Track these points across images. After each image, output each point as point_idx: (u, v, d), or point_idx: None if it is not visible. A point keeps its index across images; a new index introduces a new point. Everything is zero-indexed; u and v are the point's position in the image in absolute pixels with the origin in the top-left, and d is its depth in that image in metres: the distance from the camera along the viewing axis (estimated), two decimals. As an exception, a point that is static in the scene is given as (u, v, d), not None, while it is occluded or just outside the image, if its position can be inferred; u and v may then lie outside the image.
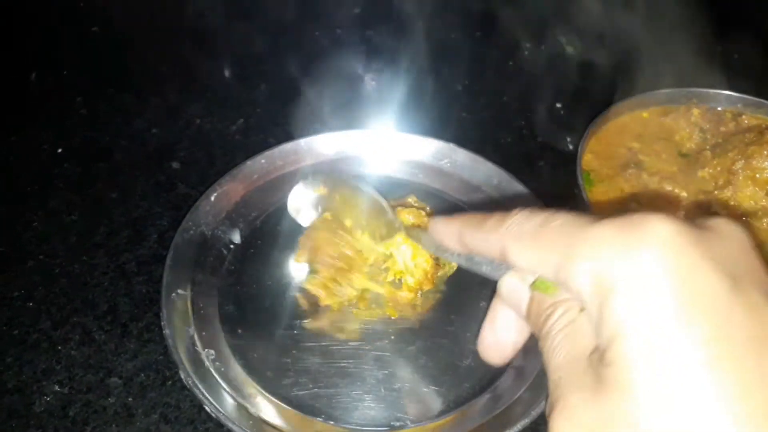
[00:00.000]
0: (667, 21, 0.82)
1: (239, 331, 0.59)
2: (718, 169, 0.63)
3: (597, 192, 0.62)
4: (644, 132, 0.69)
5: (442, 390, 0.56)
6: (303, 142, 0.74)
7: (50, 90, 0.87)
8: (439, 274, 0.61)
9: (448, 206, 0.70)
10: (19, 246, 0.67)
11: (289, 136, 0.75)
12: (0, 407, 0.55)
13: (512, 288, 0.34)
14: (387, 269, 0.61)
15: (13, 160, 0.76)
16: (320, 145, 0.74)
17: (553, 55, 0.94)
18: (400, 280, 0.61)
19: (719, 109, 0.72)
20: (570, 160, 0.78)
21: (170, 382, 0.57)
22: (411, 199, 0.65)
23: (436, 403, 0.55)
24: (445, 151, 0.73)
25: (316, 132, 0.75)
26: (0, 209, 0.71)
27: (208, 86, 0.89)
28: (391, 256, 0.60)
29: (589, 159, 0.65)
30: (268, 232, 0.68)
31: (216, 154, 0.79)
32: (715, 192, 0.61)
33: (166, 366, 0.58)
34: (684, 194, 0.62)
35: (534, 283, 0.32)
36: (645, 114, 0.71)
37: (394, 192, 0.67)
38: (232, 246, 0.66)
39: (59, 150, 0.78)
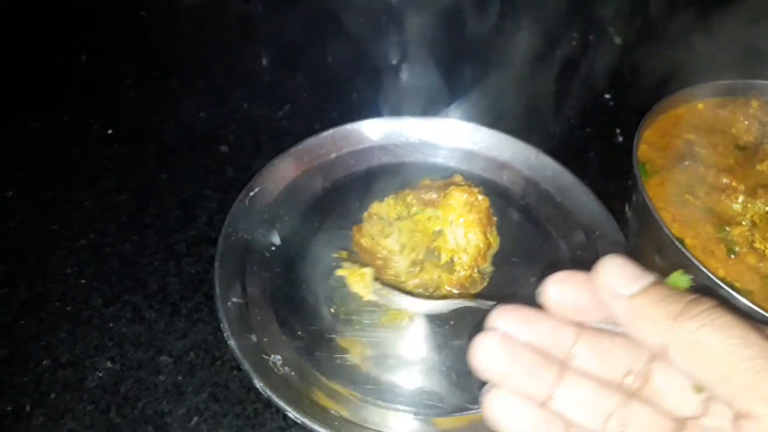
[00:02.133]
0: (724, 8, 0.80)
1: (299, 332, 0.58)
2: (778, 162, 0.62)
3: (652, 183, 0.61)
4: (700, 124, 0.68)
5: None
6: (348, 127, 0.74)
7: (99, 73, 0.88)
8: (489, 251, 0.61)
9: (495, 192, 0.70)
10: (71, 224, 0.68)
11: (334, 123, 0.75)
12: (54, 380, 0.56)
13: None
14: (438, 250, 0.61)
15: (65, 141, 0.77)
16: (365, 130, 0.74)
17: (601, 45, 0.93)
18: (453, 259, 0.60)
19: (779, 102, 0.70)
20: (620, 152, 0.78)
21: (219, 362, 0.58)
22: (457, 179, 0.65)
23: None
24: (491, 139, 0.73)
25: (361, 118, 0.75)
26: (52, 188, 0.72)
27: (254, 71, 0.90)
28: (441, 233, 0.60)
29: (644, 150, 0.64)
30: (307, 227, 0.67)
31: (262, 139, 0.79)
32: (775, 186, 0.60)
33: (215, 346, 0.59)
34: (741, 187, 0.61)
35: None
36: (700, 105, 0.70)
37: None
38: (273, 248, 0.65)
39: (109, 131, 0.79)
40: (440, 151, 0.74)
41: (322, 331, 0.58)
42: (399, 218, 0.63)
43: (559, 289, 0.33)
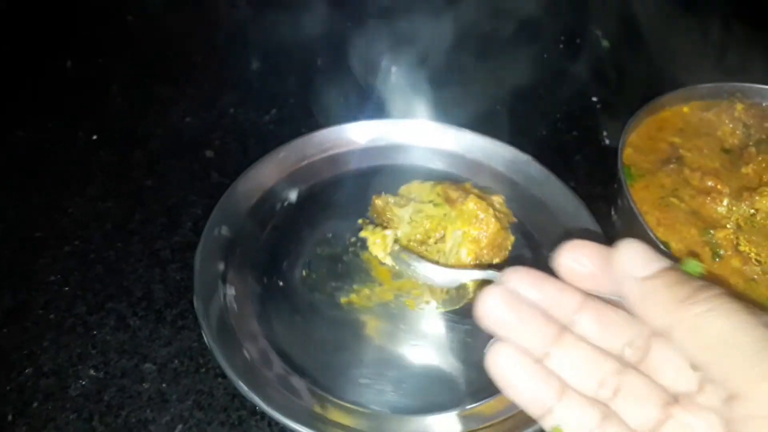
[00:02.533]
0: (709, 12, 0.80)
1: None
2: (763, 165, 0.61)
3: (637, 187, 0.61)
4: (685, 127, 0.68)
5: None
6: (334, 130, 0.74)
7: (86, 78, 0.88)
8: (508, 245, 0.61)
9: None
10: (56, 231, 0.68)
11: (320, 127, 0.75)
12: (37, 389, 0.56)
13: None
14: (458, 249, 0.61)
15: (50, 147, 0.77)
16: (352, 133, 0.74)
17: (588, 49, 0.93)
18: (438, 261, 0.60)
19: (764, 104, 0.70)
20: (606, 155, 0.77)
21: (204, 369, 0.58)
22: (497, 199, 0.65)
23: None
24: (478, 142, 0.73)
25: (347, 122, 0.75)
26: (37, 195, 0.71)
27: (242, 77, 0.89)
28: (444, 234, 0.60)
29: (629, 153, 0.64)
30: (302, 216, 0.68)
31: (249, 143, 0.79)
32: (759, 188, 0.60)
33: (199, 353, 0.59)
34: (726, 190, 0.61)
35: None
36: (686, 109, 0.70)
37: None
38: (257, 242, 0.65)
39: (95, 137, 0.79)
40: (424, 154, 0.74)
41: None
42: (422, 201, 0.64)
43: (574, 255, 0.34)
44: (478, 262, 0.60)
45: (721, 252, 0.56)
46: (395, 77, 0.92)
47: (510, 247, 0.61)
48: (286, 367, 0.55)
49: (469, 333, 0.59)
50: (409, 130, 0.75)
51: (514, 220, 0.63)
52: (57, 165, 0.75)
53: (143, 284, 0.64)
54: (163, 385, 0.56)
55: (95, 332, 0.60)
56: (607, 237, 0.63)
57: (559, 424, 0.34)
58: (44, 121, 0.80)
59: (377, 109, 0.78)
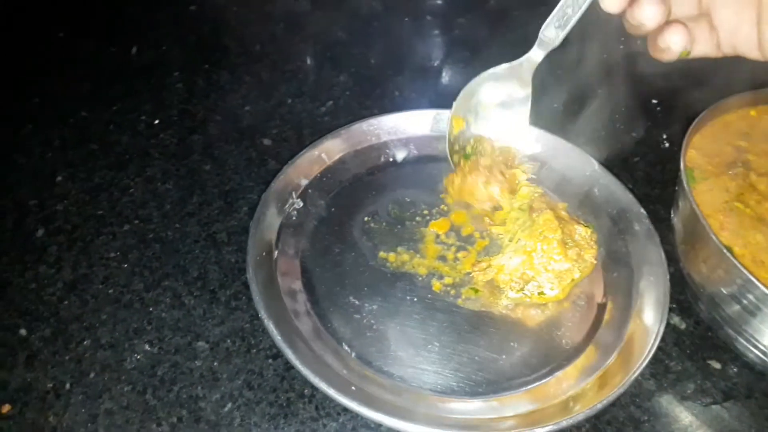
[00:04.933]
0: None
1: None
2: (835, 173, 0.59)
3: (700, 190, 0.59)
4: (752, 131, 0.66)
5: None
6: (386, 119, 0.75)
7: (149, 64, 0.90)
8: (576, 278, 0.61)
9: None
10: (116, 210, 0.70)
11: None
12: (94, 360, 0.57)
13: None
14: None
15: (113, 129, 0.79)
16: (405, 122, 0.75)
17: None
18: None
19: (837, 110, 0.68)
20: (666, 159, 0.76)
21: (255, 350, 0.58)
22: (561, 206, 0.66)
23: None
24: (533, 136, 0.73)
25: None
26: (100, 174, 0.73)
27: (300, 68, 0.90)
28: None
29: (692, 155, 0.62)
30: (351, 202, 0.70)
31: (305, 133, 0.80)
32: (830, 197, 0.58)
33: (251, 334, 0.59)
34: (794, 197, 0.59)
35: None
36: (753, 112, 0.68)
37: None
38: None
39: (156, 121, 0.81)
40: None
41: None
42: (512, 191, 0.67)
43: None
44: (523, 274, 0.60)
45: (787, 260, 0.55)
46: (450, 73, 0.91)
47: (571, 279, 0.61)
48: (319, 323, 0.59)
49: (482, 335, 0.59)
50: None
51: (594, 261, 0.61)
52: (119, 146, 0.77)
53: (199, 265, 0.65)
54: (215, 363, 0.57)
55: (151, 309, 0.61)
56: (664, 241, 0.62)
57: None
58: (109, 104, 0.83)
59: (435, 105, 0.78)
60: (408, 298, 0.60)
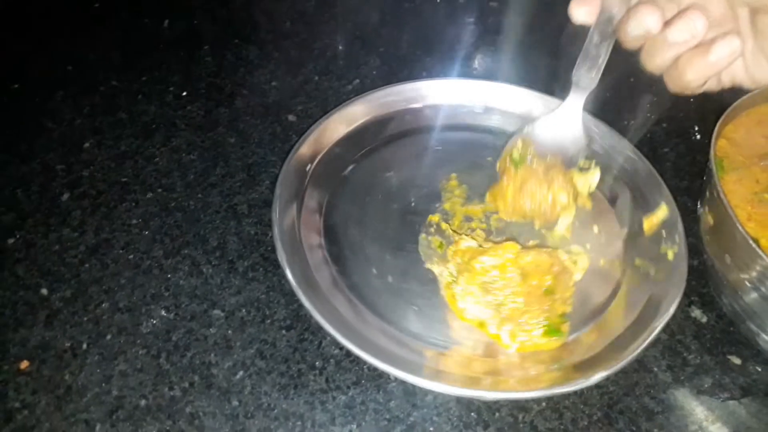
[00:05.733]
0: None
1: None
2: None
3: (729, 180, 0.58)
4: (787, 124, 0.64)
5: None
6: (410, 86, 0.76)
7: (180, 37, 0.90)
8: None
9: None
10: (141, 178, 0.71)
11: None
12: (111, 323, 0.58)
13: None
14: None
15: (142, 98, 0.80)
16: (433, 90, 0.76)
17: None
18: None
19: None
20: (696, 150, 0.74)
21: (269, 321, 0.59)
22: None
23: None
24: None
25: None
26: (126, 142, 0.74)
27: (328, 46, 0.90)
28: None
29: (722, 145, 0.61)
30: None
31: (330, 111, 0.79)
32: None
33: (266, 305, 0.60)
34: (827, 192, 0.57)
35: None
36: (789, 105, 0.66)
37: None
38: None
39: (184, 93, 0.81)
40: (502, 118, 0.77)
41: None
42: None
43: None
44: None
45: (815, 254, 0.53)
46: (480, 58, 0.90)
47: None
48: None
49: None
50: (504, 95, 0.77)
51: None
52: (147, 116, 0.78)
53: (219, 235, 0.66)
54: (229, 331, 0.58)
55: (169, 275, 0.62)
56: (689, 234, 0.61)
57: None
58: (138, 75, 0.83)
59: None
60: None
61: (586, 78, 0.60)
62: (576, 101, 0.62)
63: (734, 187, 0.57)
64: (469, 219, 0.66)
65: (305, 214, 0.64)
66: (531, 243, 0.63)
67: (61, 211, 0.67)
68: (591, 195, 0.65)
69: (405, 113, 0.75)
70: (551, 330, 0.56)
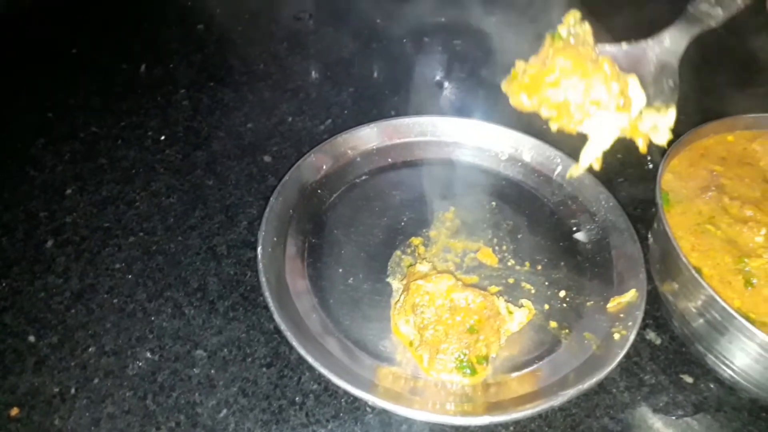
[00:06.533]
0: (760, 43, 0.80)
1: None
2: (806, 199, 0.62)
3: (674, 212, 0.62)
4: (728, 156, 0.69)
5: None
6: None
7: (157, 81, 0.94)
8: None
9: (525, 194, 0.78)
10: (122, 223, 0.73)
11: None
12: (98, 367, 0.60)
13: None
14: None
15: (121, 143, 0.83)
16: (400, 128, 0.82)
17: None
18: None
19: (813, 137, 0.71)
20: (649, 179, 0.79)
21: (250, 359, 0.62)
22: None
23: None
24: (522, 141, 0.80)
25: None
26: (107, 188, 0.77)
27: (301, 87, 0.94)
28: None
29: (669, 179, 0.65)
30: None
31: (304, 150, 0.82)
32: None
33: (247, 343, 0.63)
34: (765, 220, 0.61)
35: None
36: (730, 138, 0.71)
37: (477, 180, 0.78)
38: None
39: (162, 137, 0.84)
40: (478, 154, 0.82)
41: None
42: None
43: None
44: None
45: (754, 281, 0.57)
46: (446, 94, 0.95)
47: None
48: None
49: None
50: (462, 128, 0.82)
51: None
52: (126, 161, 0.81)
53: (200, 276, 0.68)
54: (212, 371, 0.61)
55: (153, 318, 0.65)
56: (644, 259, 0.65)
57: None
58: (117, 120, 0.86)
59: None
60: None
61: (709, 8, 0.49)
62: (683, 33, 0.53)
63: (679, 219, 0.62)
64: (447, 251, 0.70)
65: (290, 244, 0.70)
66: (492, 289, 0.67)
67: (45, 258, 0.69)
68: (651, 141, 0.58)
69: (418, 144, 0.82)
70: (467, 366, 0.58)
